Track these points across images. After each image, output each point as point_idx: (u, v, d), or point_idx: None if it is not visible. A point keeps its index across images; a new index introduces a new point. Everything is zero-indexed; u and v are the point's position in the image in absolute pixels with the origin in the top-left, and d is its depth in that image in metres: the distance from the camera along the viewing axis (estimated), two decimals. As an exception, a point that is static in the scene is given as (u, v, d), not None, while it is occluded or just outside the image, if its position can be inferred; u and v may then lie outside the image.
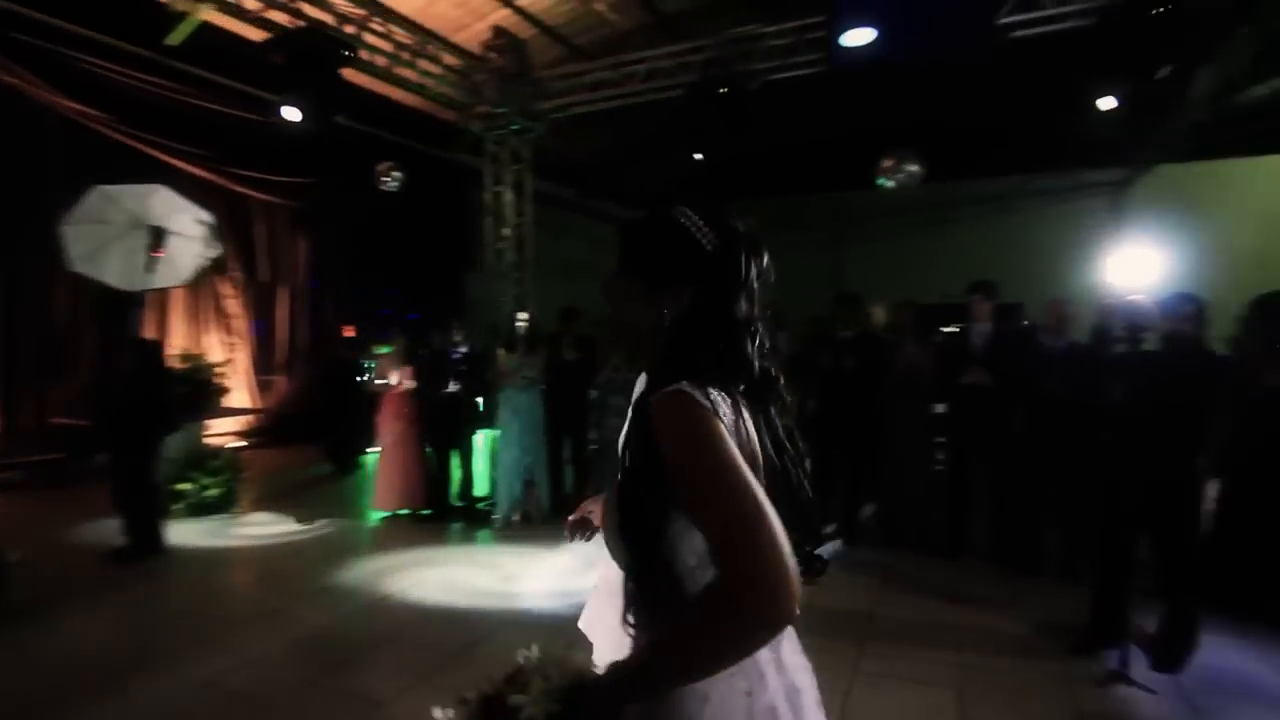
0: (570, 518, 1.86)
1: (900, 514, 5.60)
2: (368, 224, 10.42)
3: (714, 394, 1.12)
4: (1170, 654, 3.64)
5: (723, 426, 1.06)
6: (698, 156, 5.85)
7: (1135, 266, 3.70)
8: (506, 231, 6.96)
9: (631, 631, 1.16)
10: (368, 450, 9.17)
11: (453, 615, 4.39)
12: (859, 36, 4.70)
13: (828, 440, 5.40)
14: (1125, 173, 10.71)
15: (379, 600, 4.65)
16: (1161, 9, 4.31)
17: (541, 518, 6.35)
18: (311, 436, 9.04)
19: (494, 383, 6.29)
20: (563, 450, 6.59)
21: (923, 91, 9.60)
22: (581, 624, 1.94)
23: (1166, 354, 3.52)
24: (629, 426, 1.22)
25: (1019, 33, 4.92)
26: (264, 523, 6.40)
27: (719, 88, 5.40)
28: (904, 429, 5.48)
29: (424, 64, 5.93)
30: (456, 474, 6.53)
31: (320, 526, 6.30)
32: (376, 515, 6.54)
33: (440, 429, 6.38)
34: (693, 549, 1.11)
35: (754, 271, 1.18)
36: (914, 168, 5.35)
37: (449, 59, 6.13)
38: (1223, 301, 4.05)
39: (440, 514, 6.45)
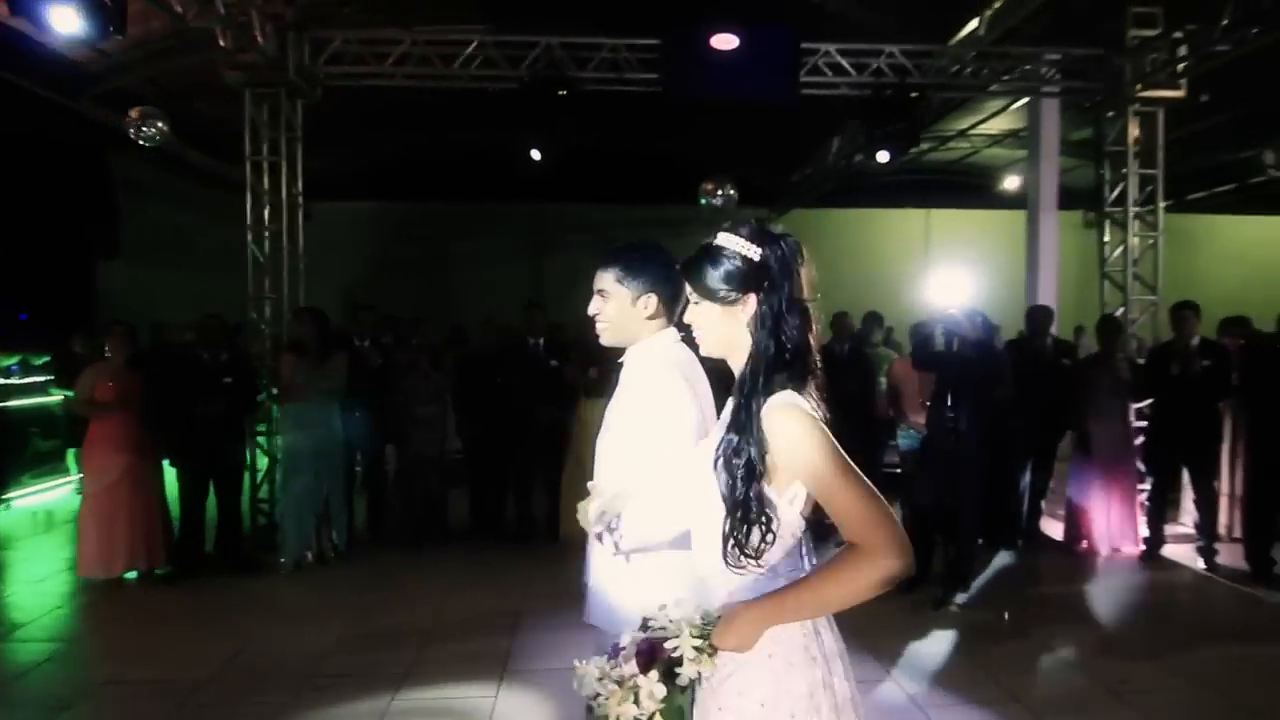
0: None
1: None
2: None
3: (813, 399, 1.34)
4: (962, 580, 4.86)
5: (825, 429, 1.29)
6: (535, 155, 5.58)
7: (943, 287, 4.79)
8: (267, 213, 5.67)
9: (731, 571, 1.33)
10: (6, 498, 6.51)
11: None
12: (725, 41, 5.07)
13: None
14: (768, 212, 13.21)
15: None
16: (917, 94, 5.71)
17: (337, 557, 5.37)
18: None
19: (280, 397, 5.12)
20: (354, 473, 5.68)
21: (611, 119, 10.53)
22: (587, 618, 1.90)
23: (974, 352, 4.66)
24: (731, 419, 1.35)
25: (807, 91, 5.90)
26: None
27: (558, 89, 5.28)
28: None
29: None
30: (211, 514, 5.13)
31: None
32: (80, 584, 4.79)
33: (195, 458, 4.94)
34: (777, 517, 1.31)
35: (798, 263, 1.39)
36: (730, 191, 6.00)
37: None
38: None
39: (189, 570, 4.98)
